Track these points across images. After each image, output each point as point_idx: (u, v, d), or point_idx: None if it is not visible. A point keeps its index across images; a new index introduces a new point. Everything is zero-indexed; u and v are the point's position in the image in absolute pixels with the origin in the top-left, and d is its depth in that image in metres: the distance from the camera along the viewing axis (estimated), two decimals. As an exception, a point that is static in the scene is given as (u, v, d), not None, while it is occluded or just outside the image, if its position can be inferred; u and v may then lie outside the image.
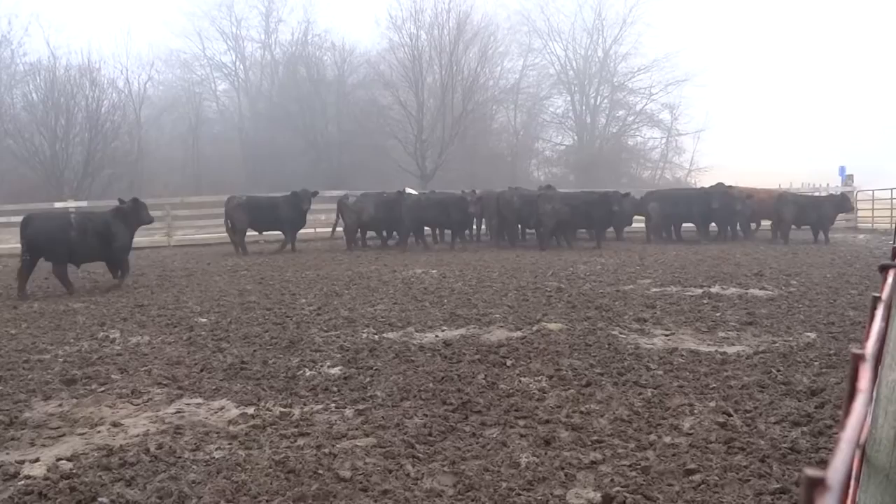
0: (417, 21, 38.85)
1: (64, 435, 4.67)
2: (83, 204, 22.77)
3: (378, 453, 4.15)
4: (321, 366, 6.31)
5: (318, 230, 23.61)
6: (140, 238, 16.23)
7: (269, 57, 45.38)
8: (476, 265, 14.42)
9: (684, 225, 21.62)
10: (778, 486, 3.60)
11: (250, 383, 5.77)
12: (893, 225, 23.49)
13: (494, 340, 7.17)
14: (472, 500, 3.56)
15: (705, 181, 36.50)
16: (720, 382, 5.49)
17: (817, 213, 19.79)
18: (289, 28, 44.80)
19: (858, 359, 1.00)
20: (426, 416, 4.82)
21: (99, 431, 4.72)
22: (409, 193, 19.56)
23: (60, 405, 5.28)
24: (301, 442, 4.39)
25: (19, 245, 11.77)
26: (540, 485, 3.72)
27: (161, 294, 11.03)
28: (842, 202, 20.32)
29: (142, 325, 8.46)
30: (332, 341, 7.26)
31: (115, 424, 4.83)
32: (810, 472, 0.62)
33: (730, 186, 20.53)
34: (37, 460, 4.17)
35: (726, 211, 20.08)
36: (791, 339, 7.06)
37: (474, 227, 21.66)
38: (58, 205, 23.41)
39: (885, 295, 1.60)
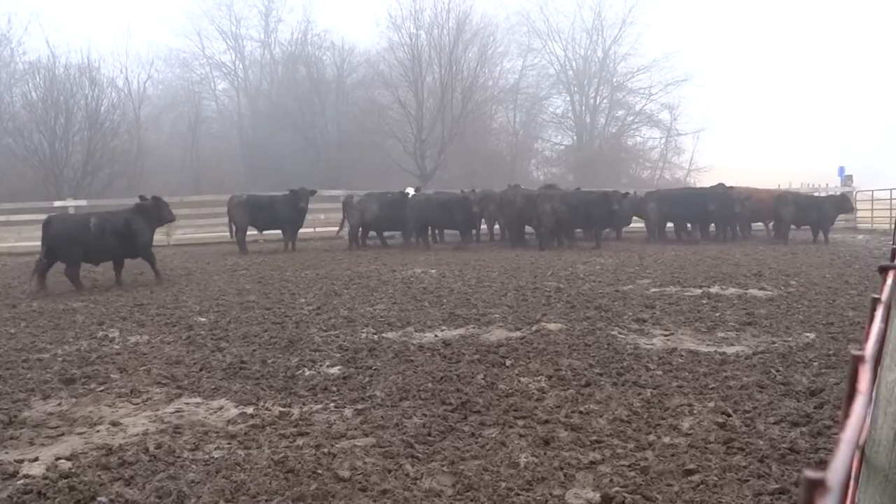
0: (417, 21, 38.83)
1: (63, 434, 4.67)
2: (82, 203, 22.75)
3: (377, 453, 4.15)
4: (320, 365, 6.31)
5: (317, 229, 23.62)
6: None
7: (268, 56, 45.35)
8: (475, 265, 14.42)
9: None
10: (777, 486, 3.60)
11: (249, 383, 5.77)
12: (893, 225, 23.50)
13: (494, 340, 7.17)
14: (472, 500, 3.56)
15: (705, 181, 36.60)
16: (719, 383, 5.49)
17: (817, 213, 19.78)
18: (288, 27, 44.81)
19: (858, 360, 1.00)
20: (425, 415, 4.82)
21: (98, 431, 4.72)
22: (410, 193, 19.48)
23: (59, 404, 5.28)
24: (300, 442, 4.39)
25: (29, 244, 11.87)
26: (539, 485, 3.72)
27: (160, 293, 11.03)
28: (842, 202, 20.32)
29: (141, 324, 8.46)
30: (332, 341, 7.26)
31: (114, 424, 4.83)
32: (810, 473, 0.62)
33: (730, 187, 20.51)
34: (36, 459, 4.17)
35: (723, 211, 20.06)
36: (790, 339, 7.06)
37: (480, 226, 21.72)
38: (57, 204, 23.40)
39: (884, 296, 1.60)
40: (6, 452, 4.34)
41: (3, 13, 35.86)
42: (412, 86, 38.33)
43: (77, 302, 10.29)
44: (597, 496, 3.57)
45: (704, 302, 9.39)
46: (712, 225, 21.05)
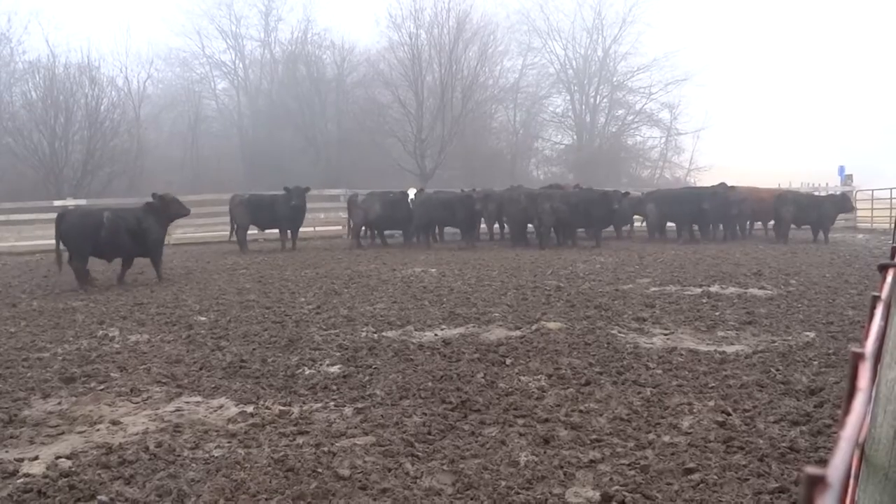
0: (417, 20, 38.81)
1: (63, 433, 4.67)
2: (82, 202, 22.74)
3: (377, 452, 4.15)
4: (320, 364, 6.31)
5: (317, 228, 23.63)
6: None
7: (268, 55, 45.32)
8: (475, 264, 14.42)
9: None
10: (777, 485, 3.60)
11: (249, 382, 5.77)
12: (892, 224, 23.50)
13: (494, 339, 7.17)
14: (471, 499, 3.56)
15: (705, 181, 36.59)
16: (719, 381, 5.49)
17: (817, 212, 19.77)
18: (288, 27, 44.77)
19: (858, 357, 1.00)
20: (425, 414, 4.82)
21: (98, 429, 4.72)
22: (411, 195, 19.42)
23: (59, 403, 5.29)
24: (300, 440, 4.39)
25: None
26: (539, 483, 3.72)
27: (160, 292, 11.03)
28: (842, 202, 20.32)
29: (141, 323, 8.46)
30: (332, 340, 7.26)
31: (114, 423, 4.83)
32: (811, 470, 0.62)
33: (731, 187, 20.47)
34: (36, 458, 4.17)
35: (719, 211, 20.01)
36: (790, 338, 7.06)
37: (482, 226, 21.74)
38: (57, 203, 23.39)
39: (884, 294, 1.60)
40: (6, 451, 4.34)
41: (3, 12, 35.83)
42: (412, 85, 38.32)
43: (77, 301, 10.29)
44: (597, 495, 3.57)
45: (704, 301, 9.39)
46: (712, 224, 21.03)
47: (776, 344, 6.80)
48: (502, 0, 46.23)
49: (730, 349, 6.63)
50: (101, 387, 5.70)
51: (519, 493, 3.59)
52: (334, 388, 5.55)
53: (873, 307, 1.49)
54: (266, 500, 3.57)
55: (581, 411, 4.84)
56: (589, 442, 4.28)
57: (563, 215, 18.60)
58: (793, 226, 20.01)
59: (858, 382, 0.94)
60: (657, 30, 62.73)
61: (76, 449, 4.33)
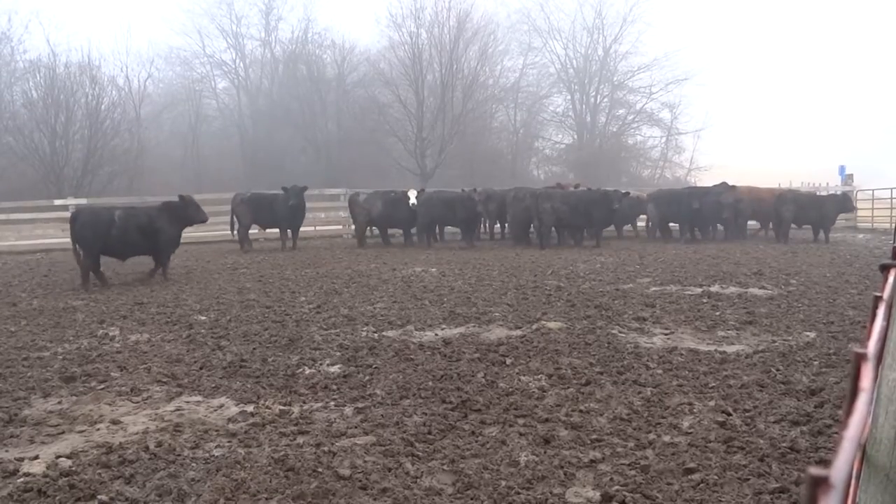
0: (417, 19, 38.86)
1: (63, 432, 4.67)
2: (83, 201, 22.76)
3: (377, 451, 4.15)
4: (321, 364, 6.31)
5: (318, 228, 23.64)
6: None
7: (268, 55, 45.34)
8: (476, 264, 14.41)
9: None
10: (777, 485, 3.60)
11: (250, 381, 5.77)
12: (893, 224, 23.50)
13: (494, 339, 7.17)
14: (472, 499, 3.56)
15: (705, 180, 36.62)
16: (719, 381, 5.49)
17: (818, 212, 19.76)
18: (289, 26, 44.83)
19: (861, 358, 1.00)
20: (425, 414, 4.82)
21: (98, 429, 4.72)
22: (412, 197, 19.36)
23: (60, 403, 5.29)
24: (300, 440, 4.39)
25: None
26: (539, 483, 3.72)
27: (160, 292, 11.02)
28: (843, 202, 20.30)
29: (141, 322, 8.46)
30: (332, 339, 7.26)
31: (114, 422, 4.83)
32: (814, 470, 0.62)
33: (732, 186, 20.42)
34: (36, 457, 4.17)
35: (712, 211, 19.94)
36: (790, 338, 7.06)
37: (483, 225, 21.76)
38: (57, 202, 23.41)
39: (886, 294, 1.60)
40: (6, 450, 4.34)
41: (4, 11, 35.94)
42: (413, 84, 38.34)
43: (77, 300, 10.29)
44: (597, 495, 3.57)
45: (705, 301, 9.39)
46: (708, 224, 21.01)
47: (777, 344, 6.80)
48: (503, -1, 46.31)
49: (730, 349, 6.63)
50: (102, 386, 5.70)
51: (519, 493, 3.59)
52: (334, 387, 5.54)
53: (875, 307, 1.48)
54: (266, 499, 3.57)
55: (581, 411, 4.84)
56: (589, 442, 4.28)
57: (563, 215, 18.57)
58: (793, 226, 20.00)
59: (861, 383, 0.93)
60: (658, 29, 62.82)
61: (76, 448, 4.33)
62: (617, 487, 3.62)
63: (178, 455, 4.16)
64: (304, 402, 5.20)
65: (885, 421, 1.74)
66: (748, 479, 3.69)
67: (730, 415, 4.69)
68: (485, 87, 41.90)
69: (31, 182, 31.66)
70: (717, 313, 8.47)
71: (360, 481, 3.73)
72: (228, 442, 4.40)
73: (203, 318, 8.67)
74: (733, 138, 69.15)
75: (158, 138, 41.00)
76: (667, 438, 4.32)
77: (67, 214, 21.55)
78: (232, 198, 19.56)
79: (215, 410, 5.08)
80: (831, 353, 6.30)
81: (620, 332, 7.43)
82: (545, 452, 4.12)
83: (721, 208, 19.67)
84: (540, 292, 10.23)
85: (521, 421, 4.67)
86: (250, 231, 19.54)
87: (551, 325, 7.73)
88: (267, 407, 5.08)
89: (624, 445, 4.21)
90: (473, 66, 40.07)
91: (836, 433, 4.27)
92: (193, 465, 4.02)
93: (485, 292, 10.32)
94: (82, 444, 4.41)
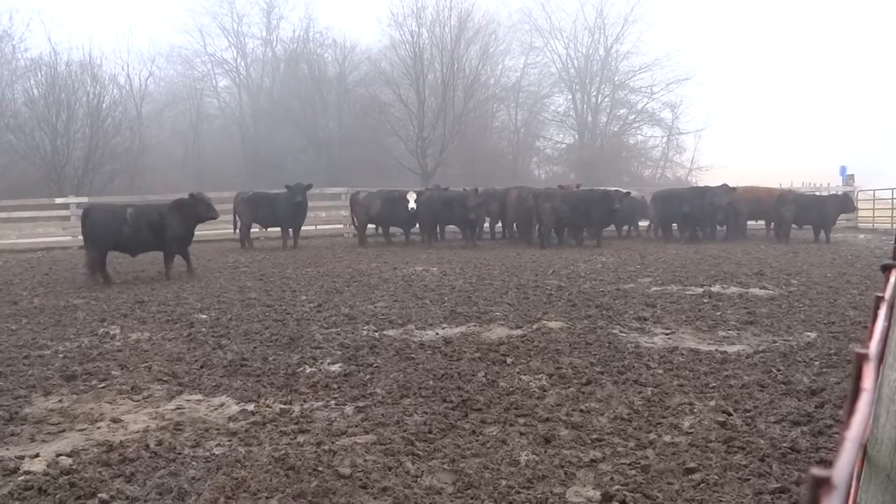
0: (419, 18, 38.80)
1: (64, 431, 4.67)
2: (84, 200, 22.76)
3: (378, 450, 4.15)
4: (321, 363, 6.31)
5: (318, 227, 23.64)
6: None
7: (270, 54, 45.33)
8: (477, 263, 14.41)
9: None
10: (777, 485, 3.60)
11: (250, 380, 5.77)
12: (894, 225, 23.49)
13: (495, 338, 7.17)
14: (472, 498, 3.56)
15: (706, 180, 36.59)
16: (720, 381, 5.48)
17: (819, 212, 19.74)
18: (290, 25, 44.79)
19: (862, 358, 1.00)
20: (426, 413, 4.82)
21: (99, 427, 4.72)
22: (411, 201, 19.27)
23: (60, 401, 5.29)
24: (301, 439, 4.39)
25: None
26: (540, 483, 3.72)
27: (161, 290, 11.03)
28: (844, 202, 20.28)
29: (142, 321, 8.46)
30: (333, 338, 7.26)
31: (115, 420, 4.83)
32: (816, 471, 0.62)
33: (732, 189, 20.35)
34: (37, 456, 4.17)
35: (707, 212, 19.89)
36: (791, 338, 7.05)
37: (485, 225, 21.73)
38: (59, 201, 23.42)
39: (887, 294, 1.60)
40: (7, 449, 4.34)
41: (5, 10, 35.97)
42: (414, 83, 38.31)
43: (78, 299, 10.30)
44: (597, 494, 3.57)
45: (705, 301, 9.39)
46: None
47: (777, 344, 6.79)
48: (504, -2, 46.23)
49: (731, 349, 6.63)
50: (102, 385, 5.71)
51: (519, 493, 3.59)
52: (335, 386, 5.54)
53: (877, 308, 1.48)
54: (267, 498, 3.57)
55: (582, 411, 4.84)
56: (590, 441, 4.28)
57: (563, 214, 18.56)
58: (794, 226, 19.98)
59: (863, 383, 0.93)
60: (659, 29, 62.84)
61: (77, 447, 4.33)
62: (617, 487, 3.62)
63: (179, 454, 4.17)
64: (305, 401, 5.20)
65: (886, 421, 1.74)
66: (749, 479, 3.69)
67: (730, 415, 4.69)
68: (486, 86, 41.86)
69: (33, 180, 31.65)
70: (718, 313, 8.47)
71: (361, 480, 3.74)
72: (229, 440, 4.40)
73: (204, 316, 8.67)
74: (734, 138, 69.13)
75: (159, 137, 40.99)
76: (667, 438, 4.32)
77: (68, 213, 21.65)
78: (234, 196, 19.61)
79: (216, 409, 5.08)
80: (832, 354, 6.30)
81: (621, 332, 7.42)
82: (546, 452, 4.12)
83: (715, 209, 19.63)
84: (541, 292, 10.23)
85: (521, 420, 4.67)
86: (252, 230, 19.56)
87: (552, 324, 7.73)
88: (267, 406, 5.09)
89: (624, 445, 4.21)
90: (474, 66, 40.04)
91: (837, 433, 4.27)
92: (194, 463, 4.02)
93: (486, 292, 10.32)
94: (83, 443, 4.41)
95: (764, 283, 11.05)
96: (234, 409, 5.06)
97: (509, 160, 43.48)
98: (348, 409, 5.00)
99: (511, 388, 5.38)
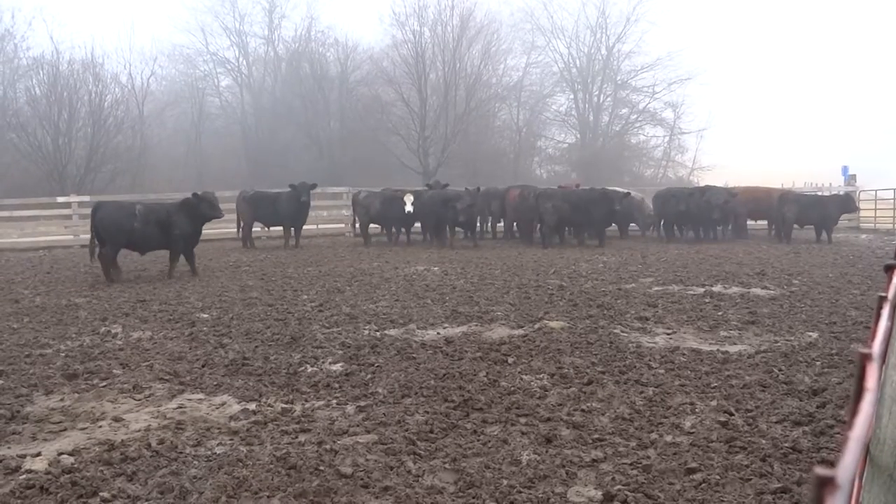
0: (421, 18, 38.92)
1: (65, 429, 4.67)
2: (85, 199, 22.79)
3: (379, 450, 4.15)
4: (323, 362, 6.31)
5: (320, 226, 23.65)
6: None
7: (272, 53, 45.43)
8: (478, 263, 14.41)
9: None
10: (779, 485, 3.59)
11: (252, 379, 5.78)
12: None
13: (496, 338, 7.17)
14: (473, 498, 3.56)
15: (708, 180, 36.60)
16: (722, 381, 5.48)
17: (820, 212, 19.71)
18: (292, 24, 44.92)
19: (865, 358, 1.00)
20: (427, 413, 4.82)
21: (100, 426, 4.73)
22: (408, 203, 19.15)
23: (62, 400, 5.29)
24: (302, 438, 4.40)
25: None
26: (541, 483, 3.72)
27: (163, 289, 11.03)
28: (845, 202, 20.26)
29: (143, 320, 8.47)
30: (334, 338, 7.26)
31: (116, 419, 4.83)
32: (820, 471, 0.62)
33: (734, 194, 20.23)
34: (38, 454, 4.18)
35: (703, 209, 19.84)
36: (793, 338, 7.05)
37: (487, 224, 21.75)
38: (60, 199, 23.44)
39: (890, 294, 1.59)
40: (9, 447, 4.34)
41: (7, 8, 36.02)
42: (415, 83, 38.38)
43: (80, 297, 10.30)
44: (599, 494, 3.57)
45: (707, 301, 9.38)
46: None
47: (779, 344, 6.79)
48: (506, -2, 46.24)
49: (732, 349, 6.62)
50: (104, 383, 5.71)
51: (521, 492, 3.59)
52: (336, 385, 5.55)
53: (879, 307, 1.48)
54: (268, 497, 3.57)
55: (583, 410, 4.84)
56: (591, 441, 4.27)
57: (564, 214, 18.54)
58: (796, 226, 19.95)
59: (866, 383, 0.93)
60: (661, 28, 62.47)
61: (78, 445, 4.33)
62: (619, 487, 3.62)
63: (180, 453, 4.17)
64: (306, 401, 5.20)
65: (888, 421, 1.74)
66: (750, 480, 3.69)
67: (732, 415, 4.69)
68: (488, 85, 41.92)
69: (35, 179, 31.74)
70: (720, 313, 8.46)
71: (362, 480, 3.74)
72: (230, 440, 4.40)
73: (205, 315, 8.68)
74: (736, 138, 68.89)
75: (161, 136, 41.08)
76: (669, 438, 4.31)
77: (70, 212, 21.66)
78: (237, 196, 19.64)
79: (217, 408, 5.08)
80: (833, 354, 6.29)
81: (623, 332, 7.42)
82: (547, 451, 4.12)
83: (711, 209, 19.58)
84: (542, 291, 10.23)
85: (522, 420, 4.67)
86: (254, 229, 19.58)
87: (553, 324, 7.73)
88: (269, 405, 5.09)
89: (626, 445, 4.21)
90: (476, 65, 40.13)
91: (839, 433, 4.27)
92: (195, 462, 4.02)
93: (487, 291, 10.32)
94: (84, 442, 4.41)
95: (765, 283, 11.04)
96: (236, 408, 5.06)
97: (511, 159, 43.53)
98: (350, 408, 5.00)
99: (512, 388, 5.38)
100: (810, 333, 7.25)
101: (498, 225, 22.41)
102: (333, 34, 43.70)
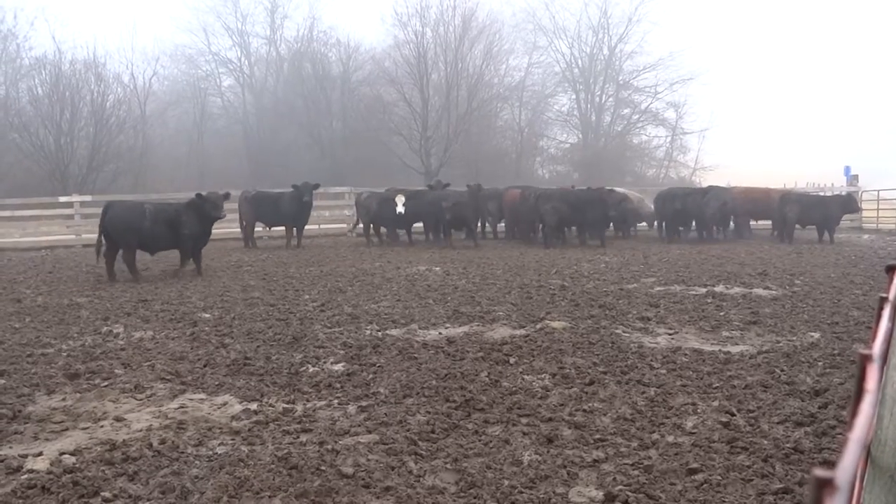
0: (423, 18, 38.91)
1: (67, 429, 4.68)
2: (87, 198, 22.80)
3: (380, 450, 4.15)
4: (324, 362, 6.32)
5: (322, 226, 23.64)
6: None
7: (274, 53, 45.44)
8: (479, 263, 14.41)
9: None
10: (781, 486, 3.59)
11: (253, 379, 5.78)
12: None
13: (498, 338, 7.17)
14: (475, 498, 3.56)
15: (710, 180, 36.58)
16: (723, 382, 5.48)
17: (822, 212, 19.69)
18: (294, 24, 44.96)
19: (866, 359, 1.00)
20: (429, 413, 4.82)
21: (102, 426, 4.73)
22: (399, 205, 19.01)
23: (64, 399, 5.30)
24: (304, 438, 4.40)
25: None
26: (542, 483, 3.72)
27: (165, 289, 11.04)
28: (848, 202, 20.24)
29: (145, 319, 8.47)
30: (336, 338, 7.26)
31: (118, 419, 4.84)
32: (820, 472, 0.62)
33: (724, 202, 20.20)
34: (40, 454, 4.18)
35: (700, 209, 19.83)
36: (795, 338, 7.04)
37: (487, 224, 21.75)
38: (62, 199, 23.45)
39: (891, 295, 1.59)
40: (11, 447, 4.35)
41: (9, 8, 36.08)
42: (417, 83, 38.38)
43: (82, 297, 10.31)
44: (600, 494, 3.57)
45: (709, 301, 9.37)
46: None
47: (781, 344, 6.79)
48: (508, -2, 46.23)
49: (734, 349, 6.62)
50: (105, 383, 5.71)
51: (522, 493, 3.59)
52: (338, 385, 5.55)
53: (881, 308, 1.48)
54: (269, 497, 3.58)
55: (585, 411, 4.84)
56: (592, 441, 4.27)
57: (563, 215, 18.52)
58: (798, 226, 19.93)
59: (866, 384, 0.93)
60: (663, 29, 62.61)
61: (80, 445, 4.34)
62: (620, 487, 3.62)
63: (182, 452, 4.17)
64: (308, 401, 5.20)
65: (889, 422, 1.73)
66: (752, 480, 3.68)
67: (733, 415, 4.68)
68: (489, 86, 41.91)
69: (37, 179, 31.77)
70: (722, 313, 8.46)
71: (363, 480, 3.74)
72: (232, 440, 4.40)
73: (207, 315, 8.68)
74: (738, 138, 68.91)
75: (163, 136, 41.10)
76: (670, 438, 4.31)
77: (72, 211, 21.68)
78: (239, 195, 19.64)
79: (219, 408, 5.08)
80: (835, 354, 6.29)
81: (624, 332, 7.42)
82: (548, 452, 4.11)
83: (708, 208, 19.57)
84: (544, 291, 10.22)
85: (524, 420, 4.67)
86: (256, 229, 19.59)
87: (555, 324, 7.72)
88: (270, 405, 5.09)
89: (627, 445, 4.21)
90: (478, 65, 40.13)
91: (841, 434, 4.26)
92: (197, 462, 4.02)
93: (489, 291, 10.32)
94: (86, 441, 4.42)
95: (767, 283, 11.03)
96: (237, 408, 5.06)
97: (513, 159, 43.52)
98: (351, 408, 5.00)
99: (514, 388, 5.38)
100: (812, 334, 7.24)
101: (499, 226, 22.39)
102: (335, 34, 43.78)
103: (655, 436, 4.35)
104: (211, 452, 4.18)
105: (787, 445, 4.11)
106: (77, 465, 3.99)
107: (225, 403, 5.18)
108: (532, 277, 11.88)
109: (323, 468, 3.88)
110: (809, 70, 74.30)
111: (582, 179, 37.20)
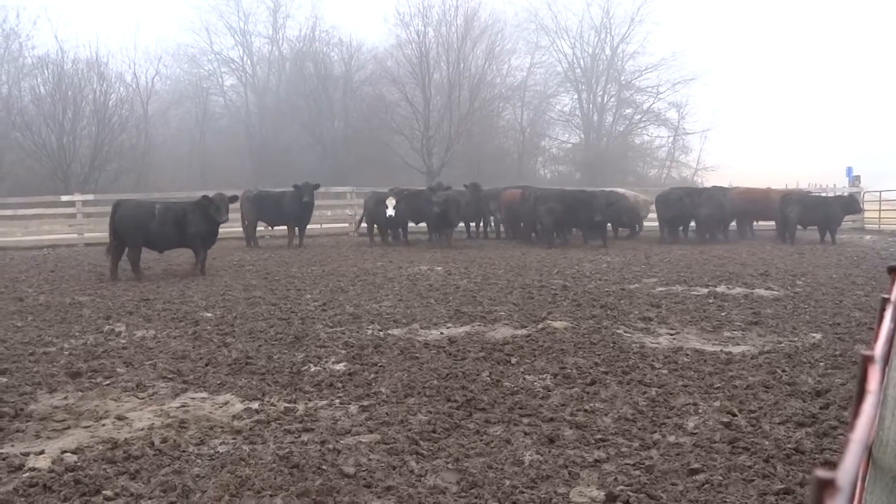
0: (425, 18, 38.86)
1: (69, 428, 4.68)
2: (89, 197, 22.82)
3: (382, 450, 4.15)
4: (326, 361, 6.32)
5: (324, 225, 23.65)
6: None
7: (276, 52, 45.42)
8: (481, 262, 14.41)
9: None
10: (782, 486, 3.59)
11: (255, 378, 5.78)
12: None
13: (499, 338, 7.17)
14: (476, 498, 3.56)
15: (712, 180, 36.57)
16: (725, 382, 5.47)
17: (824, 213, 19.66)
18: (296, 23, 44.89)
19: (868, 360, 1.00)
20: (430, 412, 4.82)
21: (104, 424, 4.74)
22: (390, 207, 18.92)
23: (66, 398, 5.30)
24: (305, 437, 4.40)
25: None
26: (543, 483, 3.72)
27: (166, 288, 11.05)
28: (849, 203, 20.21)
29: (147, 318, 8.48)
30: (337, 337, 7.26)
31: (119, 418, 4.84)
32: (821, 473, 0.62)
33: (722, 188, 20.21)
34: (42, 453, 4.19)
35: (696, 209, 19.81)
36: (796, 339, 7.04)
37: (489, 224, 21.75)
38: (64, 198, 23.46)
39: (893, 296, 1.59)
40: (12, 445, 4.36)
41: (12, 7, 36.05)
42: (419, 83, 38.36)
43: (84, 296, 10.32)
44: (601, 495, 3.57)
45: (710, 301, 9.37)
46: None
47: (782, 345, 6.78)
48: (510, -2, 46.20)
49: (736, 350, 6.61)
50: (107, 382, 5.72)
51: (523, 493, 3.59)
52: (340, 385, 5.55)
53: (883, 309, 1.48)
54: (271, 496, 3.58)
55: (586, 411, 4.84)
56: (594, 441, 4.27)
57: (559, 215, 18.50)
58: (799, 227, 19.90)
59: (868, 384, 0.93)
60: (665, 29, 62.59)
61: (82, 444, 4.34)
62: (621, 487, 3.62)
63: (183, 451, 4.18)
64: (310, 400, 5.21)
65: (891, 423, 1.73)
66: (753, 480, 3.68)
67: (735, 415, 4.68)
68: (492, 85, 41.87)
69: (39, 178, 31.78)
70: (723, 314, 8.45)
71: (365, 479, 3.74)
72: (233, 439, 4.41)
73: (209, 314, 8.69)
74: (740, 139, 68.92)
75: (165, 135, 41.08)
76: (671, 439, 4.31)
77: (74, 210, 21.71)
78: (241, 195, 19.64)
79: (220, 407, 5.09)
80: (837, 355, 6.29)
81: (626, 332, 7.42)
82: (550, 452, 4.12)
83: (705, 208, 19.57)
84: (545, 291, 10.22)
85: (525, 420, 4.68)
86: (258, 228, 19.60)
87: (557, 324, 7.72)
88: (272, 404, 5.09)
89: (628, 445, 4.21)
90: (480, 65, 40.09)
91: (842, 435, 4.26)
92: (198, 461, 4.03)
93: (490, 291, 10.32)
94: (88, 440, 4.42)
95: (769, 283, 11.02)
96: (239, 407, 5.07)
97: (515, 159, 43.48)
98: (352, 408, 5.01)
99: (515, 388, 5.38)
100: (814, 334, 7.24)
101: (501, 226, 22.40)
102: (338, 34, 43.73)
103: (657, 436, 4.35)
104: (212, 451, 4.19)
105: (789, 446, 4.11)
106: (79, 464, 4.00)
107: (226, 402, 5.19)
108: (534, 277, 11.88)
109: (324, 467, 3.89)
110: (812, 70, 74.28)
111: (584, 180, 37.21)
